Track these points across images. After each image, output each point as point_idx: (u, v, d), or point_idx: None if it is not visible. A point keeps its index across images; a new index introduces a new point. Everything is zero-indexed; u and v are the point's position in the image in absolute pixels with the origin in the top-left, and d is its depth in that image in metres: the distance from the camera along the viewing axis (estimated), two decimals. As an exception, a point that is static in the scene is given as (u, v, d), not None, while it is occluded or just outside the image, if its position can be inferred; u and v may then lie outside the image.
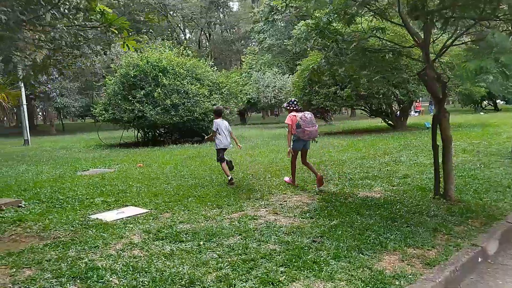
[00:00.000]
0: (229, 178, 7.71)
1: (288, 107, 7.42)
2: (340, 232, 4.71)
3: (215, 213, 5.71)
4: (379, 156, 10.40)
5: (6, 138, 28.44)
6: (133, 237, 4.77)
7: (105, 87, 18.68)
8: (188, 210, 5.92)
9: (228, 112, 17.77)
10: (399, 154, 10.44)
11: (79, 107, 35.14)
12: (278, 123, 34.47)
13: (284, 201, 6.34)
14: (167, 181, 8.17)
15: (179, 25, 51.10)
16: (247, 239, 4.57)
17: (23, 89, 22.41)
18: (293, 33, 10.13)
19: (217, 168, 9.50)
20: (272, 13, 33.13)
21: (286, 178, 7.87)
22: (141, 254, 4.21)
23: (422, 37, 5.67)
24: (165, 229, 5.02)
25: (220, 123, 8.08)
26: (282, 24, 32.22)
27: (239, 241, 4.52)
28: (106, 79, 18.36)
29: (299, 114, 7.17)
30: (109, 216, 5.71)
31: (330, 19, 5.37)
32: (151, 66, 16.80)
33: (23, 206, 6.46)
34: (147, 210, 5.99)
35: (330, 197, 6.46)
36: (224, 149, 8.10)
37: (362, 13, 5.82)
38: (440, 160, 6.01)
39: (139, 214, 5.79)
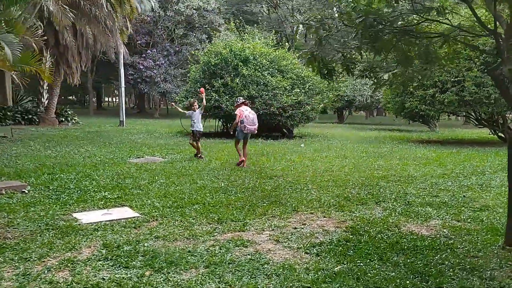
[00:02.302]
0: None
1: (236, 106, 9.54)
2: (336, 286, 3.37)
3: (207, 230, 4.66)
4: (464, 176, 8.42)
5: (107, 117, 30.17)
6: (83, 252, 3.93)
7: (189, 74, 18.52)
8: (181, 221, 4.96)
9: (309, 108, 16.44)
10: (491, 177, 8.35)
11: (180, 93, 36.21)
12: (378, 124, 32.08)
13: (302, 224, 5.07)
14: (194, 180, 7.29)
15: (287, 17, 50.27)
16: (207, 277, 3.46)
17: (122, 72, 23.44)
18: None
19: (259, 169, 8.42)
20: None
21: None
22: (62, 281, 3.32)
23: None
24: (129, 244, 4.10)
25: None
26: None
27: (194, 278, 3.43)
28: (191, 67, 18.19)
29: (246, 112, 9.16)
30: (90, 217, 4.98)
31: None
32: (233, 55, 16.14)
33: (26, 192, 6.05)
34: (138, 215, 5.15)
35: (364, 225, 5.02)
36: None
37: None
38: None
39: (126, 218, 4.97)
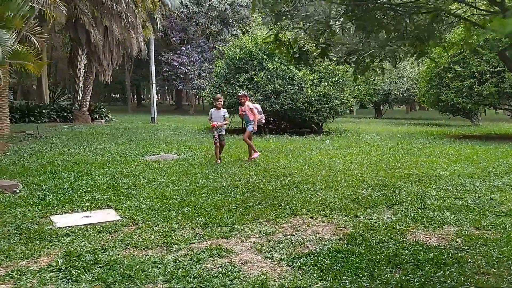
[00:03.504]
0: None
1: (246, 99, 9.35)
2: (307, 307, 2.89)
3: (186, 237, 4.26)
4: (496, 175, 7.61)
5: (144, 114, 30.46)
6: (40, 261, 3.63)
7: (215, 69, 18.23)
8: (162, 226, 4.59)
9: (338, 102, 15.71)
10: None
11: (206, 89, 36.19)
12: (418, 118, 30.70)
13: (296, 230, 4.58)
14: (196, 180, 6.92)
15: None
16: (162, 292, 3.06)
17: (153, 68, 23.50)
18: None
19: (270, 167, 7.96)
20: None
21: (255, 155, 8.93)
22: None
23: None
24: (92, 253, 3.77)
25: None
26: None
27: (146, 295, 3.04)
28: (217, 62, 17.90)
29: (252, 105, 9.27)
30: (68, 220, 4.70)
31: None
32: (258, 49, 15.68)
33: (17, 191, 5.87)
34: (119, 218, 4.82)
35: (365, 232, 4.47)
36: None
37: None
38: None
39: (104, 222, 4.66)
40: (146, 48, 22.50)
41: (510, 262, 3.70)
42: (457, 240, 4.31)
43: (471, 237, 4.37)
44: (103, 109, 24.38)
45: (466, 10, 3.75)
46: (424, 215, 5.14)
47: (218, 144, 8.81)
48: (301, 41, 3.72)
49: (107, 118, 23.98)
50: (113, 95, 74.60)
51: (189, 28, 35.68)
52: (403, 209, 5.44)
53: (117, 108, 49.06)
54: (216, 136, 8.84)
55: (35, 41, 9.80)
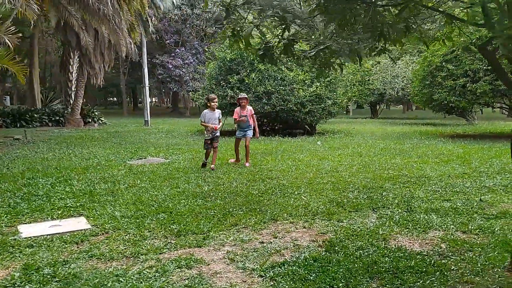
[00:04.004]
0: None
1: (247, 101, 8.96)
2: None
3: (156, 246, 4.05)
4: (488, 175, 7.41)
5: (139, 117, 30.22)
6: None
7: (206, 71, 18.03)
8: (133, 235, 4.37)
9: (330, 103, 15.51)
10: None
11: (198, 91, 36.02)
12: (414, 118, 30.50)
13: (274, 237, 4.37)
14: (178, 184, 6.71)
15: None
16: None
17: (145, 71, 23.29)
18: None
19: (257, 170, 7.75)
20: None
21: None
22: None
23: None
24: (52, 266, 3.56)
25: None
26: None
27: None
28: (208, 63, 17.71)
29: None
30: (35, 229, 4.48)
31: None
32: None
33: (-12, 199, 5.65)
34: (89, 227, 4.61)
35: (346, 238, 4.26)
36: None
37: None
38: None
39: (72, 231, 4.44)
40: (136, 50, 22.29)
41: (496, 270, 3.50)
42: (442, 245, 4.10)
43: (456, 242, 4.17)
44: (96, 113, 24.14)
45: (446, 2, 3.54)
46: (409, 219, 4.93)
47: (210, 150, 8.31)
48: (267, 37, 3.51)
49: (100, 121, 23.75)
50: (110, 99, 74.37)
51: (184, 31, 35.50)
52: (389, 213, 5.24)
53: (113, 111, 48.93)
54: (209, 142, 8.29)
55: (8, 42, 9.56)
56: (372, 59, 30.05)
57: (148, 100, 23.97)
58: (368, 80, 26.50)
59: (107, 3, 13.71)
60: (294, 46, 3.41)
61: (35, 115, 21.42)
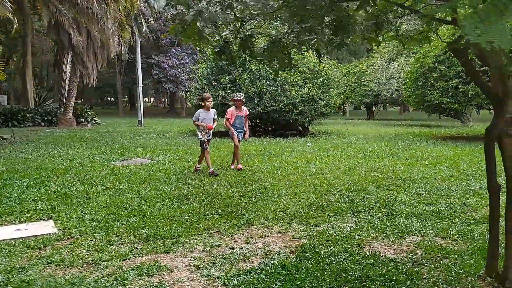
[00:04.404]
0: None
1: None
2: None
3: (121, 252, 3.91)
4: (475, 178, 7.28)
5: (135, 118, 30.05)
6: None
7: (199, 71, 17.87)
8: (99, 239, 4.23)
9: (323, 104, 15.37)
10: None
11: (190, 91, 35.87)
12: (410, 119, 30.37)
13: (246, 243, 4.23)
14: (157, 186, 6.57)
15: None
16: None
17: (139, 71, 23.14)
18: None
19: (242, 172, 7.60)
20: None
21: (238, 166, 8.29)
22: None
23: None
24: (7, 273, 3.42)
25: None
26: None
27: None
28: (200, 64, 17.57)
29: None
30: (0, 233, 4.33)
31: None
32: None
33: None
34: (56, 231, 4.46)
35: (319, 244, 4.12)
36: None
37: None
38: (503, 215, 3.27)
39: (37, 236, 4.30)
40: (127, 50, 22.12)
41: (469, 279, 3.36)
42: (417, 252, 3.96)
43: (433, 248, 4.03)
44: (89, 112, 23.98)
45: None
46: (388, 223, 4.80)
47: (208, 150, 7.88)
48: (225, 33, 3.37)
49: (93, 121, 23.59)
50: (107, 99, 74.20)
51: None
52: (369, 217, 5.10)
53: (110, 111, 48.74)
54: (207, 141, 7.86)
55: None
56: (367, 60, 29.93)
57: (142, 100, 23.80)
58: (364, 81, 26.36)
59: (93, 2, 13.52)
60: (253, 41, 3.26)
61: (27, 115, 21.25)
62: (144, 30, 23.44)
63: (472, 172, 7.84)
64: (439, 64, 13.35)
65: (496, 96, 3.07)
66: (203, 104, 7.98)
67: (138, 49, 23.19)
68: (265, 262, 3.69)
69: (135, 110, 51.33)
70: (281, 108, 14.51)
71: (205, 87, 15.78)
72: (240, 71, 15.09)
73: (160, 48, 36.97)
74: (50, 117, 22.19)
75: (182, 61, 34.51)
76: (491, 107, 14.66)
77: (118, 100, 49.20)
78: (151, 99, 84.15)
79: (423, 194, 6.18)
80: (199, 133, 7.96)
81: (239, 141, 8.49)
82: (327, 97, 15.78)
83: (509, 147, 3.13)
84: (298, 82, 15.05)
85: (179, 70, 34.31)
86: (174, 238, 4.27)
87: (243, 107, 8.64)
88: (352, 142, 13.44)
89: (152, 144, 12.73)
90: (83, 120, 23.06)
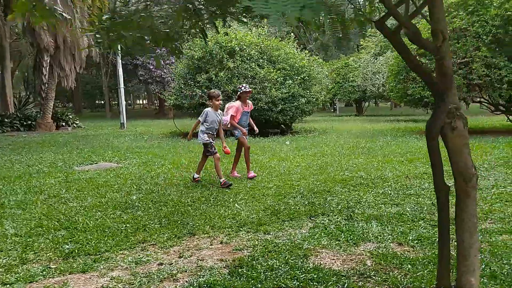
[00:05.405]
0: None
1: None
2: None
3: (32, 273, 3.44)
4: (450, 174, 6.82)
5: (117, 120, 29.51)
6: None
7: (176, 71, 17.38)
8: (14, 257, 3.76)
9: (304, 101, 14.92)
10: (484, 175, 6.76)
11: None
12: (399, 115, 30.00)
13: (179, 257, 3.77)
14: (105, 194, 6.10)
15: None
16: None
17: (120, 72, 22.61)
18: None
19: (204, 175, 7.14)
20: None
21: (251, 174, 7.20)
22: None
23: None
24: None
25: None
26: None
27: None
28: (178, 63, 17.10)
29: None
30: None
31: None
32: (219, 47, 14.87)
33: None
34: (-30, 247, 3.99)
35: (260, 256, 3.67)
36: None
37: None
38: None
39: None
40: (98, 51, 21.57)
41: (417, 294, 2.93)
42: (367, 262, 3.52)
43: (386, 257, 3.59)
44: (70, 116, 23.42)
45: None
46: (345, 229, 4.36)
47: (218, 155, 6.76)
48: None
49: (74, 125, 23.06)
50: (99, 102, 73.47)
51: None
52: (326, 221, 4.67)
53: (100, 114, 48.07)
54: (212, 145, 6.76)
55: None
56: (353, 55, 29.55)
57: (124, 102, 23.27)
58: (350, 76, 25.96)
59: (56, 2, 13.01)
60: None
61: (6, 120, 20.72)
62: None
63: (447, 168, 7.40)
64: (420, 56, 12.93)
65: (431, 81, 2.62)
66: (210, 103, 6.80)
67: (118, 50, 22.62)
68: (192, 281, 3.24)
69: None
70: (260, 107, 14.05)
71: (182, 86, 15.32)
72: (217, 69, 14.64)
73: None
74: (29, 122, 21.66)
75: (168, 61, 33.96)
76: (479, 99, 14.32)
77: (105, 103, 48.53)
78: (144, 101, 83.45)
79: (391, 194, 5.76)
80: (202, 134, 6.74)
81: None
82: (308, 94, 15.35)
83: (455, 140, 2.69)
84: (278, 79, 14.61)
85: (165, 70, 33.79)
86: (99, 254, 3.81)
87: (248, 100, 7.45)
88: (333, 139, 13.01)
89: (125, 147, 12.25)
90: (63, 124, 22.52)
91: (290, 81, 14.77)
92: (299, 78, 15.10)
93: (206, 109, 6.81)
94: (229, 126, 7.21)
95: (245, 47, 14.87)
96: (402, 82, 13.76)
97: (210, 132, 6.74)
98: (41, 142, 14.33)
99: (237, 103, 7.23)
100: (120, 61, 22.77)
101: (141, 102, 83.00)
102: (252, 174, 7.19)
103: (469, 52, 12.01)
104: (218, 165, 6.59)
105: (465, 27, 12.23)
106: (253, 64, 14.61)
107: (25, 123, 21.56)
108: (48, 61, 23.15)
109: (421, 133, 14.05)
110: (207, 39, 15.59)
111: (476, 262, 2.75)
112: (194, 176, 6.84)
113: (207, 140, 6.73)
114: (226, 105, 7.37)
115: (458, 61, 12.22)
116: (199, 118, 6.80)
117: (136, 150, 11.38)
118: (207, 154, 6.84)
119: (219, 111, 6.89)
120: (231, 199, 5.64)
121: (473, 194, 2.75)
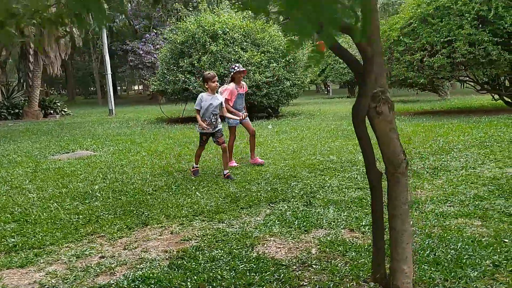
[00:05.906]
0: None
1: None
2: None
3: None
4: (421, 156, 6.77)
5: (103, 107, 29.34)
6: None
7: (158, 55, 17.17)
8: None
9: (289, 84, 14.75)
10: (457, 155, 6.68)
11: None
12: (391, 96, 29.77)
13: (124, 249, 3.69)
14: (68, 183, 6.01)
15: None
16: None
17: (107, 58, 22.35)
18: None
19: (174, 162, 7.04)
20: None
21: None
22: None
23: None
24: None
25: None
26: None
27: None
28: (162, 48, 16.88)
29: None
30: None
31: None
32: (202, 30, 14.64)
33: None
34: None
35: (207, 246, 3.60)
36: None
37: None
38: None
39: None
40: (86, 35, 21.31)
41: (351, 283, 2.86)
42: (312, 250, 3.45)
43: (333, 244, 3.52)
44: (58, 104, 23.25)
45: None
46: (301, 215, 4.28)
47: (225, 145, 6.20)
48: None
49: (63, 112, 22.92)
50: (92, 89, 72.99)
51: (153, 15, 34.40)
52: (285, 207, 4.59)
53: (93, 101, 47.75)
54: (206, 137, 6.28)
55: None
56: (341, 36, 29.20)
57: (111, 88, 23.07)
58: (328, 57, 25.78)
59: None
60: None
61: (-8, 109, 20.60)
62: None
63: (422, 150, 7.35)
64: (404, 36, 12.76)
65: (354, 64, 2.51)
66: (206, 86, 6.11)
67: (104, 35, 22.38)
68: (128, 274, 3.16)
69: (117, 99, 50.47)
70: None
71: (165, 71, 15.14)
72: (201, 53, 14.43)
73: (136, 34, 36.04)
74: (17, 110, 21.52)
75: (158, 46, 33.58)
76: (464, 78, 14.17)
77: (97, 90, 48.15)
78: (140, 86, 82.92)
79: (356, 178, 5.67)
80: (199, 127, 6.21)
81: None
82: (294, 76, 15.18)
83: (380, 125, 2.58)
84: (262, 62, 14.41)
85: (155, 55, 33.43)
86: (43, 248, 3.73)
87: (242, 82, 6.87)
88: (316, 122, 12.91)
89: (106, 134, 12.14)
90: (52, 111, 22.38)
91: (275, 64, 14.58)
92: (284, 61, 14.92)
93: (200, 94, 6.25)
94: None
95: (228, 30, 14.64)
96: (386, 63, 13.56)
97: (207, 119, 6.09)
98: (24, 130, 14.22)
99: (231, 85, 6.64)
100: (106, 47, 22.49)
101: (136, 88, 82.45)
102: (258, 160, 6.83)
103: (452, 31, 11.81)
104: (226, 155, 6.13)
105: (448, 5, 12.01)
106: (237, 47, 14.41)
107: (12, 111, 21.45)
108: (34, 48, 22.87)
109: (409, 114, 13.96)
110: (191, 22, 15.38)
111: (409, 249, 2.68)
112: (194, 166, 6.34)
113: (202, 129, 6.12)
114: (219, 89, 6.57)
115: (442, 40, 12.03)
116: (195, 107, 6.14)
117: (116, 138, 11.27)
118: (202, 144, 6.34)
119: (217, 94, 6.24)
120: (193, 187, 5.55)
121: (403, 181, 2.66)
